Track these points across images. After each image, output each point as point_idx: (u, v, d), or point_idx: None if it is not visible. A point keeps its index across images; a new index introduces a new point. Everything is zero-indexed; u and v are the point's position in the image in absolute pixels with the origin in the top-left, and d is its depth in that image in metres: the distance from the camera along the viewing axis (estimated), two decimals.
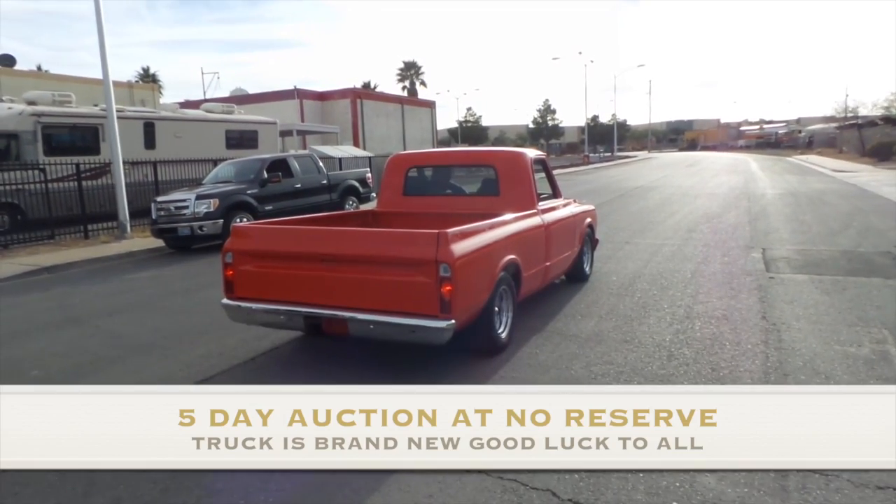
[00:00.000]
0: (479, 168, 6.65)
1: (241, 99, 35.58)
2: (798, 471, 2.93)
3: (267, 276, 4.59)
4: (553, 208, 6.21)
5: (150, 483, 3.12)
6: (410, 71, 72.07)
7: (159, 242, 11.57)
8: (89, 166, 13.57)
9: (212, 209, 10.94)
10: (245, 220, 11.25)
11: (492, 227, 4.72)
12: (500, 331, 4.71)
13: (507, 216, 5.16)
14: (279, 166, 12.60)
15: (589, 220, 7.22)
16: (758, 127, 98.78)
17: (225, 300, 4.73)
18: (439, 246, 3.97)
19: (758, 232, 10.51)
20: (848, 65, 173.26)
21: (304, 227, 5.35)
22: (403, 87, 70.07)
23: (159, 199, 11.53)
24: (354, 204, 14.31)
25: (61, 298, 7.82)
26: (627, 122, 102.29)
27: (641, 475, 2.94)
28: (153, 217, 11.34)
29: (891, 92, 52.69)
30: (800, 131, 74.47)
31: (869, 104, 50.93)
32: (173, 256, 10.91)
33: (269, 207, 11.77)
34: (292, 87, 42.16)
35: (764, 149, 69.07)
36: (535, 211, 5.69)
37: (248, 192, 11.67)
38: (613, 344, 4.89)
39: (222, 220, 10.93)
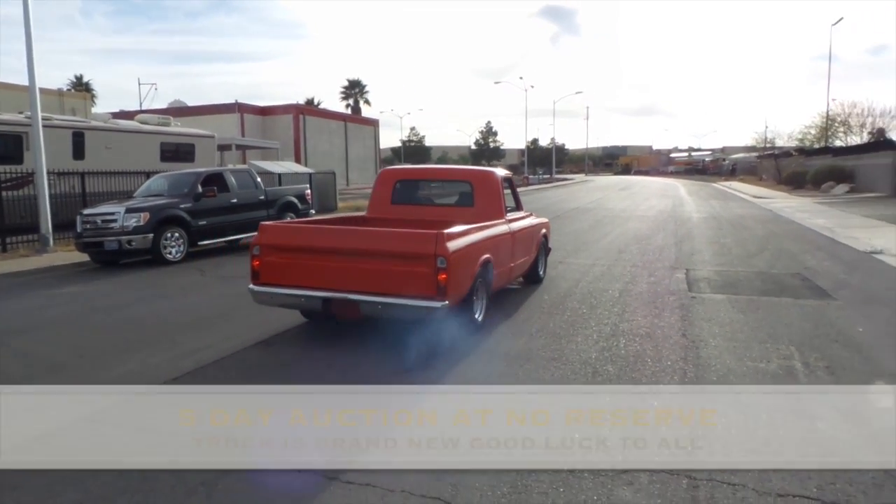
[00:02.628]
0: (457, 183, 7.74)
1: (179, 111, 34.56)
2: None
3: (289, 266, 5.41)
4: (517, 219, 7.30)
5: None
6: (355, 89, 71.82)
7: (84, 257, 11.05)
8: (10, 176, 12.88)
9: (142, 223, 10.55)
10: (177, 234, 10.94)
11: (473, 231, 5.75)
12: (476, 315, 5.73)
13: (483, 223, 6.14)
14: (215, 180, 12.28)
15: (544, 230, 8.41)
16: (687, 154, 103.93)
17: (252, 286, 5.50)
18: (438, 243, 4.91)
19: (683, 253, 11.04)
20: (767, 99, 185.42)
21: (323, 226, 6.40)
22: (347, 106, 69.67)
23: (86, 211, 11.05)
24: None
25: None
26: (566, 146, 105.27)
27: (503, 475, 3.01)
28: (78, 230, 10.84)
29: (803, 125, 56.66)
30: (724, 159, 78.68)
31: (785, 136, 54.55)
32: (99, 272, 10.43)
33: (202, 222, 11.46)
34: (234, 101, 41.33)
35: (692, 175, 72.53)
36: (503, 220, 6.73)
37: (181, 206, 11.31)
38: (541, 362, 5.01)
39: (153, 235, 10.57)
